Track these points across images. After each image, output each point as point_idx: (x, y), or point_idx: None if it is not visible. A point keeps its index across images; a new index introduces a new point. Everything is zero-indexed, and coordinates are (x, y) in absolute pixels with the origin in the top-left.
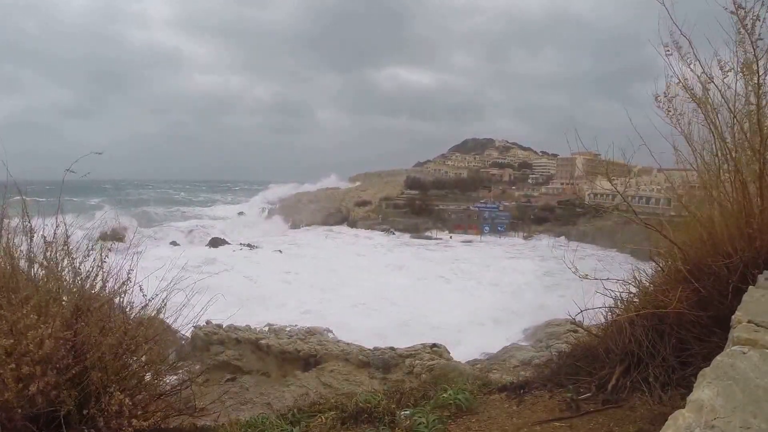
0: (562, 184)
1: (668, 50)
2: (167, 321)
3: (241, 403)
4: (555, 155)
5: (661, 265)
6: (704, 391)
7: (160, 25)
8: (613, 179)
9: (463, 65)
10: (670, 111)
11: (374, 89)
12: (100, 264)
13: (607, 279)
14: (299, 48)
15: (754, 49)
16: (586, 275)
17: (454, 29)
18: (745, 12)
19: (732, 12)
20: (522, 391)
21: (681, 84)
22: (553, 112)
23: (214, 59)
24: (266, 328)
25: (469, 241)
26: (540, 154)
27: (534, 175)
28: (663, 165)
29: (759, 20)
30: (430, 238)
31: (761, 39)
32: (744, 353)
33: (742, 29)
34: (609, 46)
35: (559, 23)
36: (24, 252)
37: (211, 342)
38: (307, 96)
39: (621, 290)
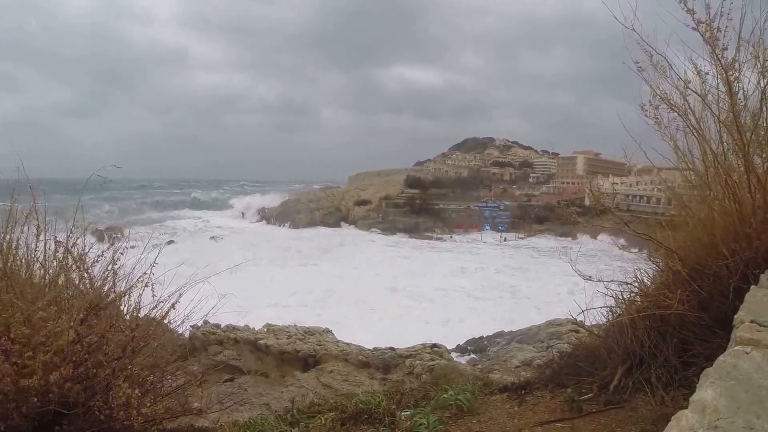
0: (563, 183)
1: (639, 66)
2: (171, 322)
3: (240, 403)
4: (556, 154)
5: (660, 266)
6: (707, 391)
7: (165, 22)
8: (615, 182)
9: (472, 65)
10: (657, 118)
11: (380, 88)
12: (111, 266)
13: (611, 281)
14: (305, 46)
15: (721, 61)
16: (590, 277)
17: (466, 28)
18: (705, 26)
19: (694, 28)
20: (523, 391)
21: (659, 96)
22: (557, 111)
23: (219, 57)
24: (265, 328)
25: (475, 241)
26: (541, 153)
27: (535, 174)
28: (662, 164)
29: (720, 31)
30: (430, 237)
31: (726, 49)
32: (747, 353)
33: (706, 45)
34: (615, 44)
35: (571, 22)
36: (34, 251)
37: (209, 342)
38: (311, 95)
39: (623, 290)
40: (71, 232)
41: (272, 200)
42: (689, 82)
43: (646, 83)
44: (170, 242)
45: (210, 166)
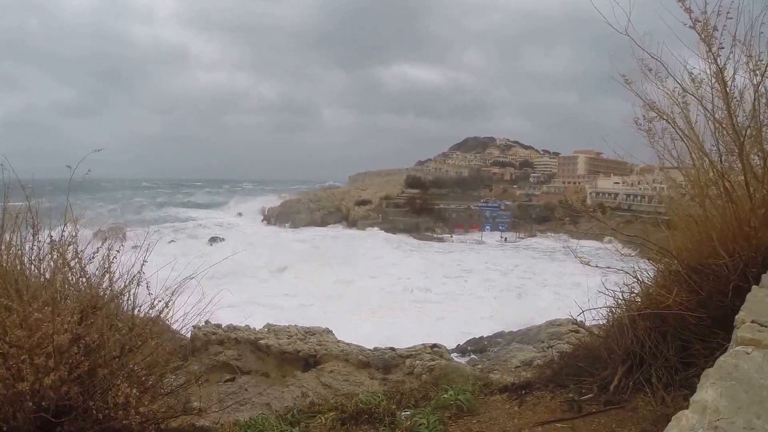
0: (564, 183)
1: (628, 80)
2: (170, 321)
3: (240, 403)
4: (557, 154)
5: (660, 266)
6: (707, 391)
7: (165, 21)
8: (616, 181)
9: (474, 63)
10: (651, 131)
11: (381, 87)
12: (108, 264)
13: (608, 268)
14: (307, 45)
15: (716, 59)
16: (588, 262)
17: (469, 27)
18: (702, 25)
19: (690, 27)
20: (523, 391)
21: (648, 106)
22: (559, 110)
23: (220, 56)
24: (266, 329)
25: (475, 241)
26: (541, 152)
27: (535, 174)
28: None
29: (716, 30)
30: (431, 237)
31: (722, 48)
32: (748, 353)
33: (702, 43)
34: (620, 42)
35: (576, 18)
36: (30, 251)
37: (210, 342)
38: (312, 94)
39: (623, 290)
40: (67, 231)
41: (273, 200)
42: (689, 84)
43: (637, 95)
44: (170, 242)
45: (211, 166)
